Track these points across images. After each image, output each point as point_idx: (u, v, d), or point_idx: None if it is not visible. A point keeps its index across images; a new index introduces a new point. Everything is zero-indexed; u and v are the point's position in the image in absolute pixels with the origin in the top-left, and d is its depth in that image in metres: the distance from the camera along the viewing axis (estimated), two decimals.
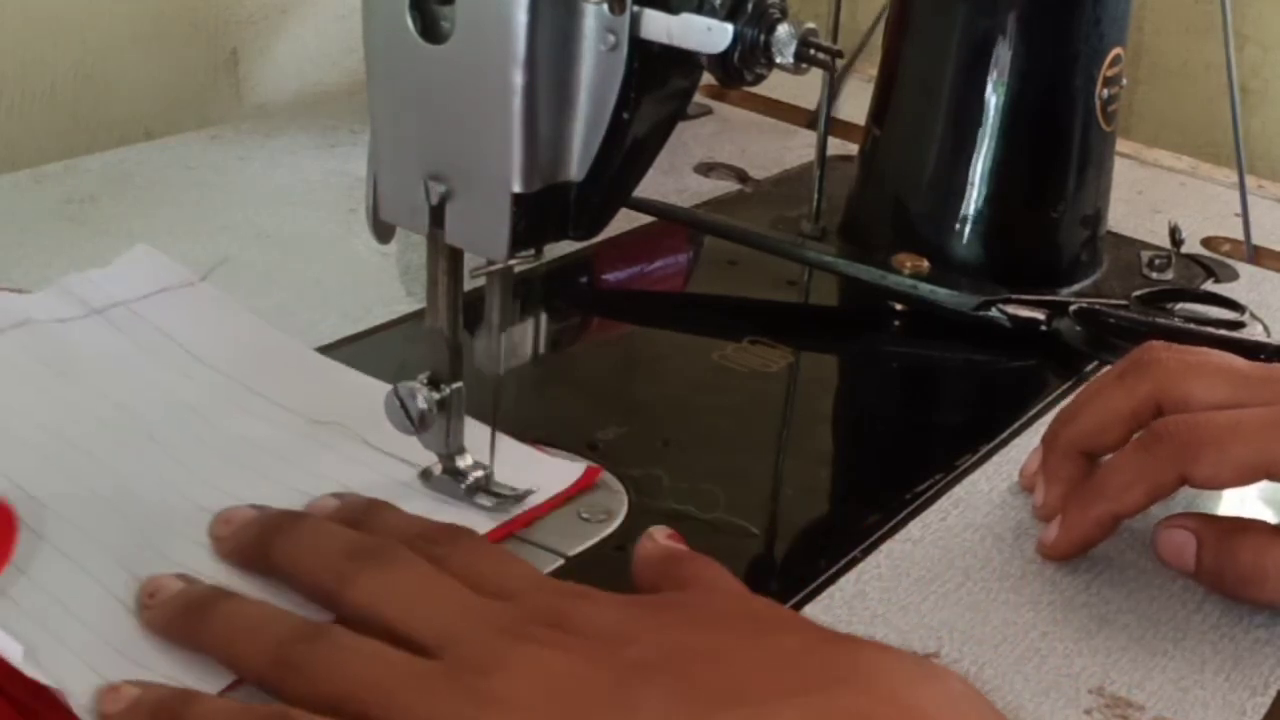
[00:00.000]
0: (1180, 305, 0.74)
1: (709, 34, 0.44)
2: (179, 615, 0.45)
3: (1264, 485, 0.60)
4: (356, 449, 0.55)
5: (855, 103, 0.80)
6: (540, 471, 0.55)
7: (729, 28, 0.44)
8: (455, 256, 0.50)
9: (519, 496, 0.53)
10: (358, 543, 0.46)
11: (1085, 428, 0.55)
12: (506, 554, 0.48)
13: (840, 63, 0.45)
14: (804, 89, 0.75)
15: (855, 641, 0.42)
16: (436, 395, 0.51)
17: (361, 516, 0.49)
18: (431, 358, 0.52)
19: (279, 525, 0.48)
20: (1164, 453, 0.51)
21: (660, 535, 0.49)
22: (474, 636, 0.41)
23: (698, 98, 1.00)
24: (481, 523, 0.51)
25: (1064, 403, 0.65)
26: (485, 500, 0.53)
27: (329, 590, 0.45)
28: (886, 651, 0.41)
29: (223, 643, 0.43)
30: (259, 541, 0.48)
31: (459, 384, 0.52)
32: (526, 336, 0.52)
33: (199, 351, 0.60)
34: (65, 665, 0.43)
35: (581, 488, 0.55)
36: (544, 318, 0.52)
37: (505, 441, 0.54)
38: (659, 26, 0.44)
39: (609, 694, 0.39)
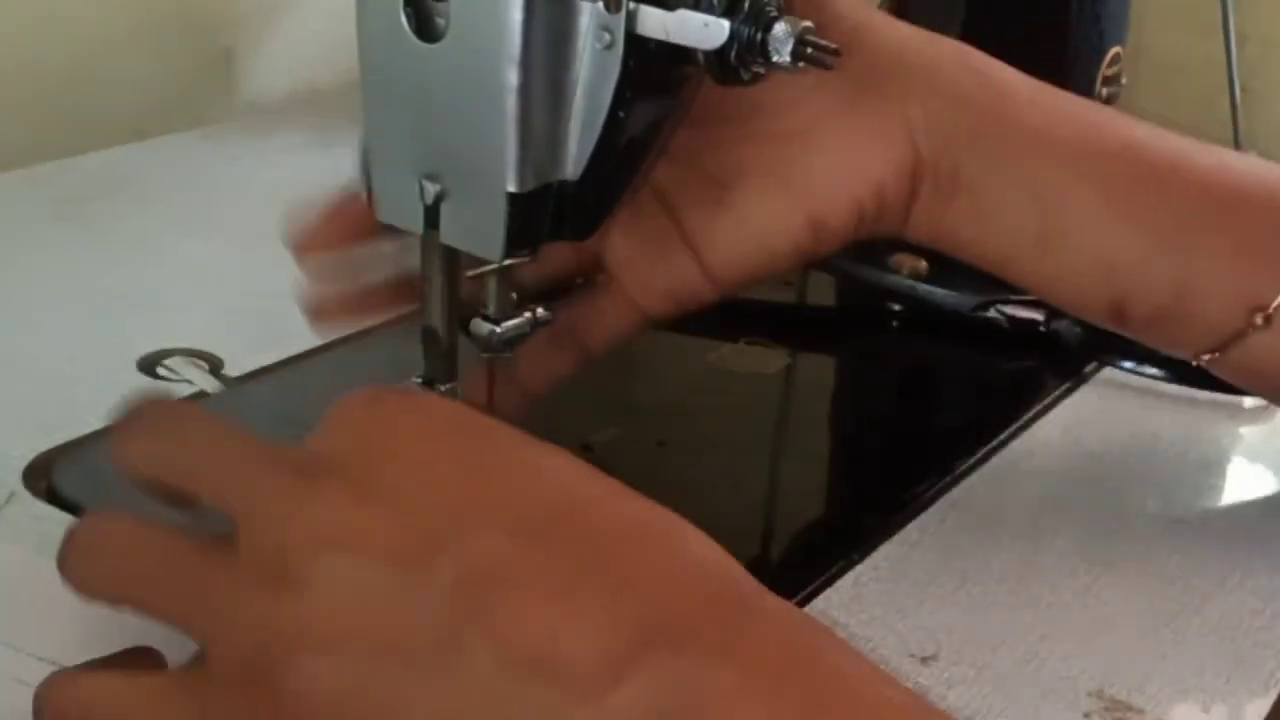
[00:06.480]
0: None
1: (706, 30, 0.44)
2: None
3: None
4: None
5: None
6: None
7: (725, 23, 0.44)
8: (450, 256, 0.50)
9: None
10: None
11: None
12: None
13: (838, 61, 0.45)
14: None
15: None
16: None
17: None
18: (426, 358, 0.52)
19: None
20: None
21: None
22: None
23: None
24: None
25: (1063, 403, 0.64)
26: None
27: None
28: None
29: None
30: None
31: (454, 384, 0.51)
32: (520, 337, 0.51)
33: None
34: None
35: None
36: (538, 315, 0.52)
37: None
38: (656, 23, 0.44)
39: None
